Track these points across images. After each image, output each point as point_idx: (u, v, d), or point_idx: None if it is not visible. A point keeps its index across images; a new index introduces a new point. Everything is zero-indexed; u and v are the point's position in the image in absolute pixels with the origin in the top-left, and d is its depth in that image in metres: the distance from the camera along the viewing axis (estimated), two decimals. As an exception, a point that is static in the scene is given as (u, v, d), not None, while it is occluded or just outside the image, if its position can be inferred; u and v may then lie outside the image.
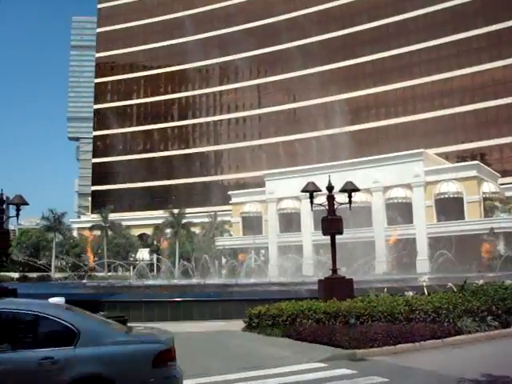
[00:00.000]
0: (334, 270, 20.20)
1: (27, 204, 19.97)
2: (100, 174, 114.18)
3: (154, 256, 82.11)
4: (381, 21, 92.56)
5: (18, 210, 20.02)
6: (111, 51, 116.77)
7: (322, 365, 12.85)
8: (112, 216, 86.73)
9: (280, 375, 11.79)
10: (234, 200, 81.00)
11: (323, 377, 11.62)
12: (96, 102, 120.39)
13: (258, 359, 13.58)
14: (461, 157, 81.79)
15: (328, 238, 20.74)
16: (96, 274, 69.76)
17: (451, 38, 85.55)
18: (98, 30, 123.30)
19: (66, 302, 9.12)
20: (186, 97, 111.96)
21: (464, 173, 64.78)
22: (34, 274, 69.55)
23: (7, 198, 21.77)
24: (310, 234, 67.68)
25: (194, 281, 50.13)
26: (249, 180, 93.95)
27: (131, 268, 73.53)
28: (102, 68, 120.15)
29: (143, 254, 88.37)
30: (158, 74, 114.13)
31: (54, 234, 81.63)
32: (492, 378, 10.74)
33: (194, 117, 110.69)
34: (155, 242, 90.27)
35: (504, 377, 10.79)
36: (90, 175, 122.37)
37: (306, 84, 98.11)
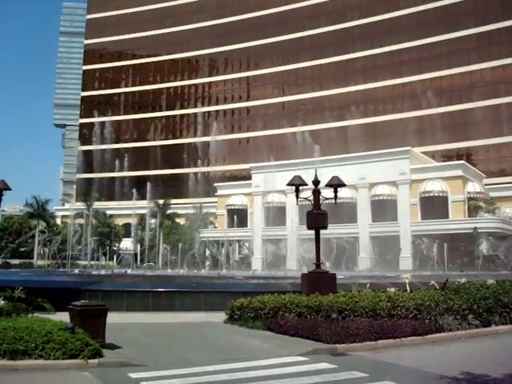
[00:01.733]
0: (318, 265, 20.18)
1: (10, 189, 19.63)
2: (85, 162, 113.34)
3: (138, 246, 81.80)
4: (372, 17, 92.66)
5: (0, 195, 19.69)
6: (100, 38, 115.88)
7: (303, 358, 12.81)
8: (97, 204, 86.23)
9: (260, 368, 11.73)
10: (219, 192, 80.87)
11: (304, 370, 11.58)
12: (84, 89, 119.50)
13: (238, 351, 13.53)
14: (447, 156, 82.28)
15: (313, 232, 20.72)
16: (78, 262, 69.35)
17: (441, 38, 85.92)
18: (88, 16, 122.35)
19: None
20: (175, 87, 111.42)
21: (449, 172, 65.18)
22: (16, 261, 69.06)
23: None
24: (294, 228, 67.72)
25: (177, 271, 50.02)
26: (235, 172, 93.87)
27: (114, 257, 73.17)
28: (90, 55, 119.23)
29: (127, 243, 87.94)
30: (147, 62, 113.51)
31: (38, 221, 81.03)
32: (471, 377, 10.75)
33: (182, 107, 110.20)
34: (139, 232, 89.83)
35: (484, 375, 10.81)
36: (76, 163, 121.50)
37: (295, 78, 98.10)
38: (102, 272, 47.42)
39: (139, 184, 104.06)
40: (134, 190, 79.11)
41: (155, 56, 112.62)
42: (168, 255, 64.63)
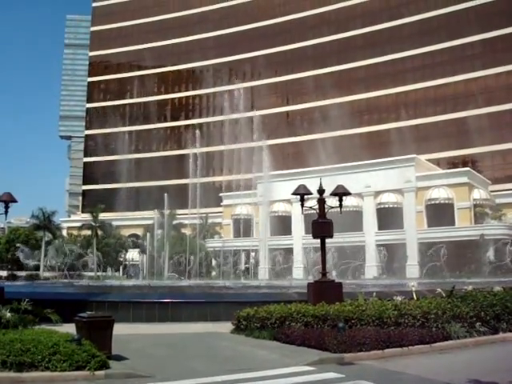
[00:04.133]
0: (324, 274, 20.16)
1: (16, 201, 19.72)
2: (91, 173, 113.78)
3: (144, 257, 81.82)
4: (375, 26, 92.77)
5: (6, 207, 19.75)
6: (105, 50, 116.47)
7: (310, 368, 12.78)
8: (102, 216, 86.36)
9: (268, 378, 11.70)
10: (225, 202, 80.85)
11: (311, 380, 11.55)
12: (89, 100, 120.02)
13: (245, 362, 13.50)
14: (452, 163, 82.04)
15: (318, 241, 20.70)
16: (85, 273, 69.44)
17: (445, 45, 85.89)
18: (92, 28, 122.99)
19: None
20: (179, 97, 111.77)
21: (455, 179, 65.01)
22: (23, 273, 69.13)
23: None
24: (300, 238, 67.63)
25: (184, 282, 49.98)
26: (241, 182, 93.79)
27: (121, 268, 73.24)
28: (95, 67, 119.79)
29: (133, 254, 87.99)
30: (152, 74, 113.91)
31: (44, 233, 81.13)
32: (480, 385, 10.71)
33: (186, 118, 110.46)
34: (145, 243, 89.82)
35: (492, 383, 10.75)
36: (82, 174, 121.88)
37: (299, 87, 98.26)
38: (108, 283, 47.34)
39: (145, 195, 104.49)
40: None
41: (159, 67, 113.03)
42: (174, 266, 64.62)
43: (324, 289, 19.32)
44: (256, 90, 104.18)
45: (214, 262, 71.34)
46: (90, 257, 72.99)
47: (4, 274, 68.66)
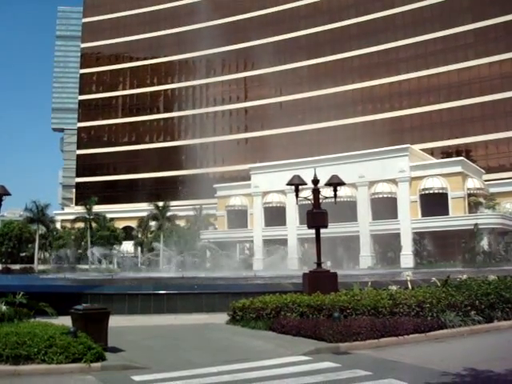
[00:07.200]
0: (319, 264, 20.17)
1: (9, 194, 19.56)
2: (84, 165, 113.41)
3: (139, 249, 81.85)
4: (369, 15, 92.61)
5: (0, 200, 19.64)
6: (97, 42, 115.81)
7: (306, 358, 12.80)
8: (96, 208, 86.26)
9: (264, 368, 11.71)
10: (219, 193, 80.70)
11: (307, 370, 11.56)
12: (81, 92, 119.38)
13: (241, 352, 13.51)
14: (446, 153, 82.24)
15: (313, 231, 20.70)
16: (79, 266, 69.40)
17: (438, 34, 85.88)
18: (84, 20, 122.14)
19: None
20: (172, 89, 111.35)
21: (449, 168, 65.05)
22: (17, 266, 69.07)
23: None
24: (295, 228, 67.69)
25: (179, 274, 49.99)
26: (235, 173, 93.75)
27: (115, 261, 73.24)
28: (87, 59, 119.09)
29: (127, 246, 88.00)
30: (144, 65, 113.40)
31: (37, 226, 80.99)
32: (475, 373, 10.74)
33: (179, 109, 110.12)
34: (139, 235, 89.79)
35: (487, 371, 10.79)
36: (75, 167, 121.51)
37: (292, 78, 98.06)
38: (103, 275, 47.28)
39: (138, 187, 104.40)
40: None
41: (152, 58, 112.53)
42: (170, 257, 64.64)
43: (319, 279, 19.33)
44: (249, 81, 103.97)
45: (208, 254, 71.31)
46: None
47: (-2, 267, 68.56)
